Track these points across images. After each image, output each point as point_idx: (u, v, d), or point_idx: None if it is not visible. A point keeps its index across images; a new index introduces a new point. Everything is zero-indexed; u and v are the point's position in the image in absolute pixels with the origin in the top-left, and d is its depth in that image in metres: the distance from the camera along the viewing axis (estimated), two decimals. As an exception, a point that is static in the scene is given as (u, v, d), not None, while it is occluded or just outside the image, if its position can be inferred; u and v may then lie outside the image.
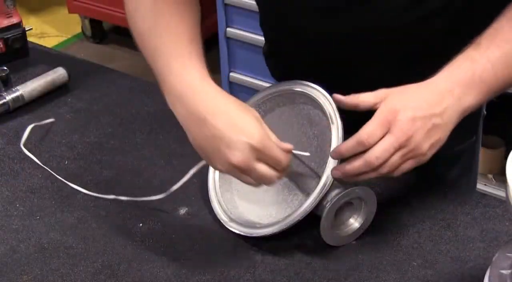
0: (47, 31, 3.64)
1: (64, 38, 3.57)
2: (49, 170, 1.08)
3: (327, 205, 0.89)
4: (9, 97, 1.23)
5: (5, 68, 1.31)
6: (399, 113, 0.83)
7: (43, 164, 1.11)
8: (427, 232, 0.95)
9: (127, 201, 1.00)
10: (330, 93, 0.92)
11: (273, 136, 0.86)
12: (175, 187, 0.97)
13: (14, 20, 1.40)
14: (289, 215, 0.91)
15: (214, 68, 2.77)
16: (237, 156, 0.82)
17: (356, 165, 0.84)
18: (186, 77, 0.87)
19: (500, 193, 1.72)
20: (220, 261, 0.92)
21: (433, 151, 0.84)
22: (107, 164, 1.11)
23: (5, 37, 1.38)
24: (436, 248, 0.93)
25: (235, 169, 0.84)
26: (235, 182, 1.00)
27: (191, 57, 0.89)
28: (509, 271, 0.78)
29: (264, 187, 0.97)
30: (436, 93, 0.84)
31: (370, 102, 0.86)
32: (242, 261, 0.92)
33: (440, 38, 0.98)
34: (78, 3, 3.31)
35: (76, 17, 3.51)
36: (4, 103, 1.23)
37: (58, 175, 1.07)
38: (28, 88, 1.26)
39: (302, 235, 0.94)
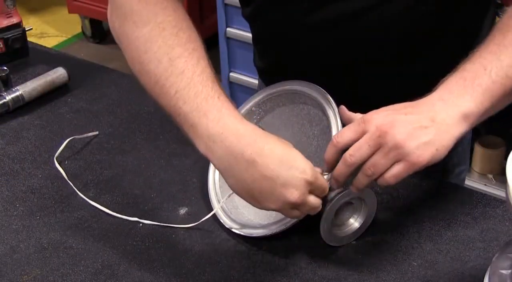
0: (47, 31, 3.64)
1: (64, 38, 3.58)
2: (66, 178, 1.08)
3: (327, 205, 0.89)
4: (9, 97, 1.23)
5: (5, 68, 1.31)
6: (376, 113, 0.83)
7: (43, 164, 1.11)
8: (427, 232, 0.95)
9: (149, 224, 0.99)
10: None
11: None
12: (203, 219, 0.96)
13: (14, 20, 1.40)
14: (289, 215, 0.91)
15: (214, 68, 2.78)
16: (295, 194, 0.82)
17: (338, 167, 0.85)
18: (225, 121, 0.83)
19: (500, 193, 1.72)
20: (220, 261, 0.92)
21: (427, 154, 0.80)
22: (107, 164, 1.11)
23: (5, 37, 1.38)
24: (436, 248, 0.93)
25: (289, 205, 0.83)
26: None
27: (221, 98, 0.86)
28: (509, 271, 0.78)
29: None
30: (426, 101, 0.83)
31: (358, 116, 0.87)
32: (242, 261, 0.92)
33: (431, 47, 0.98)
34: (78, 3, 3.31)
35: (76, 17, 3.51)
36: (4, 103, 1.23)
37: (57, 175, 1.08)
38: (28, 88, 1.26)
39: (302, 235, 0.94)
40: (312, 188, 0.84)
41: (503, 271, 0.78)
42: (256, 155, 0.82)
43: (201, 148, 0.85)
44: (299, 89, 0.97)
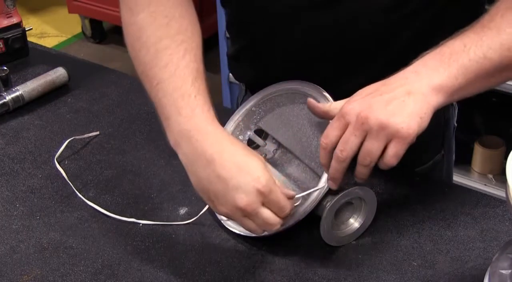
0: (47, 31, 3.64)
1: (64, 38, 3.58)
2: (65, 176, 1.08)
3: (327, 205, 0.89)
4: (9, 97, 1.23)
5: (5, 68, 1.31)
6: (351, 102, 0.83)
7: (43, 164, 1.11)
8: (427, 232, 0.95)
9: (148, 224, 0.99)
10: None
11: (277, 182, 0.86)
12: (201, 213, 0.97)
13: (14, 20, 1.40)
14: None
15: (214, 68, 2.78)
16: (243, 199, 0.82)
17: (331, 166, 0.85)
18: (194, 119, 0.85)
19: (500, 193, 1.72)
20: (220, 261, 0.92)
21: (413, 123, 0.80)
22: (107, 164, 1.11)
23: (5, 37, 1.38)
24: (436, 248, 0.93)
25: (240, 211, 0.83)
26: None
27: (198, 97, 0.87)
28: (509, 271, 0.78)
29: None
30: (399, 75, 0.83)
31: (339, 105, 0.86)
32: (242, 261, 0.92)
33: (420, 41, 0.98)
34: (78, 3, 3.31)
35: (76, 17, 3.51)
36: (4, 103, 1.23)
37: (57, 175, 1.08)
38: (28, 88, 1.26)
39: (302, 235, 0.94)
40: (266, 200, 0.83)
41: (503, 271, 0.78)
42: (217, 155, 0.83)
43: (171, 141, 0.87)
44: (299, 89, 0.97)
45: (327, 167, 0.86)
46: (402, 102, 0.81)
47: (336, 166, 0.84)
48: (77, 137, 1.16)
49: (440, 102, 0.82)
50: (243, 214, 0.84)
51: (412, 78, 0.82)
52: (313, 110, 0.90)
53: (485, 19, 0.85)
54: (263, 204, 0.83)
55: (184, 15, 0.93)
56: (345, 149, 0.82)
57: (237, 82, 1.23)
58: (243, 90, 1.20)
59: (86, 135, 1.17)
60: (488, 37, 0.83)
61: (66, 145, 1.14)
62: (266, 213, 0.84)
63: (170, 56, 0.89)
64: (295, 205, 0.88)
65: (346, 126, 0.83)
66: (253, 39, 1.08)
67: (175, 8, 0.92)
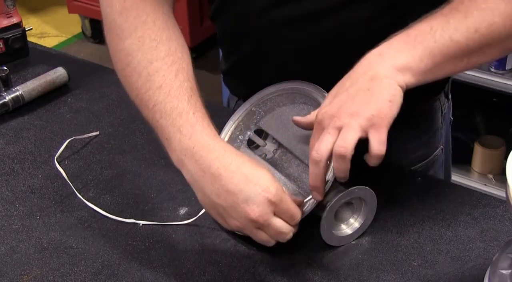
0: (47, 31, 3.64)
1: (64, 38, 3.58)
2: (66, 179, 1.08)
3: (327, 205, 0.89)
4: (9, 97, 1.23)
5: (5, 68, 1.31)
6: (323, 108, 0.83)
7: (43, 164, 1.11)
8: (427, 232, 0.95)
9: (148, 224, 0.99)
10: None
11: (285, 190, 0.86)
12: (200, 213, 0.96)
13: (14, 20, 1.40)
14: (289, 215, 0.91)
15: (214, 68, 2.78)
16: (255, 210, 0.82)
17: (310, 173, 0.84)
18: (196, 136, 0.85)
19: (500, 193, 1.72)
20: (220, 261, 0.92)
21: (384, 108, 0.80)
22: (107, 164, 1.11)
23: (5, 37, 1.38)
24: (436, 248, 0.93)
25: (252, 223, 0.83)
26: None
27: (196, 114, 0.87)
28: (509, 271, 0.78)
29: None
30: (363, 61, 0.83)
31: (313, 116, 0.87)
32: (242, 261, 0.92)
33: None
34: (78, 3, 3.31)
35: (76, 17, 3.52)
36: (4, 103, 1.23)
37: (57, 175, 1.08)
38: (28, 88, 1.26)
39: (302, 235, 0.93)
40: (277, 209, 0.83)
41: (503, 271, 0.78)
42: (223, 169, 0.83)
43: (174, 160, 0.87)
44: (299, 89, 0.97)
45: (313, 187, 0.86)
46: (368, 91, 0.81)
47: (314, 170, 0.83)
48: (77, 137, 1.16)
49: (409, 82, 0.82)
50: (256, 226, 0.84)
51: (375, 62, 0.82)
52: (300, 126, 0.91)
53: (455, 1, 0.84)
54: (275, 214, 0.84)
55: (171, 37, 0.93)
56: (319, 148, 0.81)
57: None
58: (234, 99, 1.20)
59: (86, 135, 1.17)
60: (455, 19, 0.82)
61: (66, 145, 1.14)
62: (279, 223, 0.84)
63: (163, 78, 0.89)
64: (304, 209, 0.88)
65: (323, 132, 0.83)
66: (244, 55, 1.09)
67: (162, 31, 0.92)
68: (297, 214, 0.85)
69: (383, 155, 0.80)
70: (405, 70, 0.81)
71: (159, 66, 0.89)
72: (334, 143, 0.81)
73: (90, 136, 1.17)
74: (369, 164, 0.82)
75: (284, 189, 0.87)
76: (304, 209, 0.89)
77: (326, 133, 0.81)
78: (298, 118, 0.91)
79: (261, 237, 0.85)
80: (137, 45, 0.91)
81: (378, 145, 0.80)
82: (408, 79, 0.82)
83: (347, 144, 0.80)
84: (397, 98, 0.81)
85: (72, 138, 1.15)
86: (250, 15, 1.01)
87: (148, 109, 0.89)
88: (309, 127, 0.89)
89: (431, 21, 0.83)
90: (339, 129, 0.81)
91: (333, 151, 0.81)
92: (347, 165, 0.81)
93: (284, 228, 0.85)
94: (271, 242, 0.86)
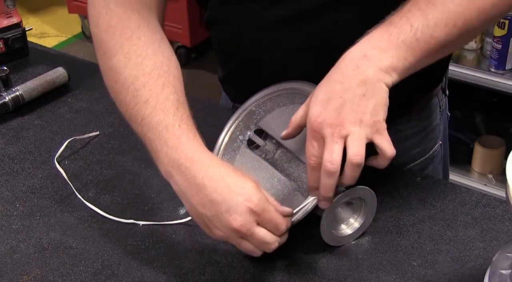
0: (47, 31, 3.64)
1: (64, 38, 3.58)
2: (65, 177, 1.08)
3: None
4: (9, 97, 1.23)
5: (5, 68, 1.31)
6: (316, 112, 0.83)
7: (43, 164, 1.11)
8: (427, 232, 0.95)
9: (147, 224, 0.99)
10: None
11: (272, 200, 0.86)
12: None
13: (14, 20, 1.40)
14: (289, 215, 0.91)
15: (214, 68, 2.78)
16: (237, 219, 0.82)
17: (322, 184, 0.84)
18: (181, 148, 0.87)
19: (500, 193, 1.72)
20: (220, 261, 0.92)
21: (381, 112, 0.82)
22: (107, 164, 1.11)
23: (5, 37, 1.38)
24: (436, 248, 0.93)
25: (235, 233, 0.84)
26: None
27: (182, 126, 0.88)
28: (509, 271, 0.78)
29: (264, 187, 0.97)
30: (351, 66, 0.84)
31: (301, 115, 0.87)
32: (242, 261, 0.92)
33: None
34: (78, 3, 3.31)
35: (76, 17, 3.52)
36: (4, 103, 1.23)
37: (57, 175, 1.08)
38: (28, 88, 1.26)
39: (302, 235, 0.94)
40: (260, 219, 0.83)
41: (503, 271, 0.78)
42: (207, 180, 0.84)
43: (163, 173, 0.88)
44: (299, 89, 0.97)
45: (316, 189, 0.86)
46: (363, 97, 0.82)
47: (328, 182, 0.83)
48: (77, 137, 1.16)
49: (394, 80, 0.84)
50: (239, 236, 0.84)
51: (363, 65, 0.83)
52: (289, 137, 0.91)
53: None
54: (258, 223, 0.84)
55: (157, 51, 0.94)
56: (333, 159, 0.82)
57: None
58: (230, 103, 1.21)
59: (86, 135, 1.17)
60: (433, 15, 0.84)
61: (66, 145, 1.14)
62: (262, 232, 0.84)
63: (149, 92, 0.90)
64: (293, 219, 0.88)
65: (323, 140, 0.83)
66: (240, 62, 1.09)
67: (147, 46, 0.94)
68: (282, 224, 0.85)
69: (394, 153, 0.83)
70: (391, 71, 0.83)
71: (145, 81, 0.91)
72: (343, 152, 0.82)
73: (90, 137, 1.17)
74: (381, 167, 0.85)
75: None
76: (304, 209, 0.89)
77: (333, 143, 0.82)
78: (284, 133, 0.91)
79: (246, 247, 0.85)
80: (124, 62, 0.93)
81: (389, 146, 0.83)
82: (394, 78, 0.84)
83: (361, 152, 0.82)
84: (388, 100, 0.84)
85: (72, 138, 1.15)
86: (238, 22, 1.02)
87: (137, 124, 0.91)
88: (297, 131, 0.89)
89: (410, 16, 0.84)
90: (345, 138, 0.82)
91: (348, 160, 0.82)
92: (359, 172, 0.83)
93: (267, 237, 0.85)
94: (256, 252, 0.86)
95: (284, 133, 0.91)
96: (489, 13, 0.85)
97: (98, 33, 0.96)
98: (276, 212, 0.85)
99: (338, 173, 0.83)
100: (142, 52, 0.93)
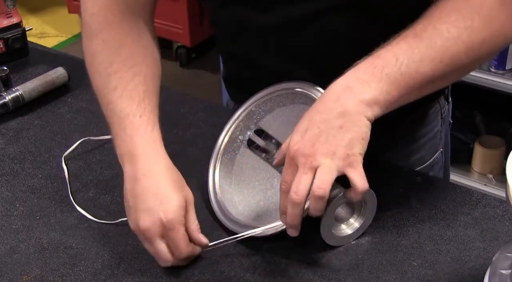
0: (47, 31, 3.64)
1: (64, 38, 3.58)
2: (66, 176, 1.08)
3: (327, 205, 0.89)
4: (9, 97, 1.23)
5: (5, 68, 1.31)
6: (295, 141, 0.83)
7: (43, 164, 1.11)
8: (427, 232, 0.95)
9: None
10: None
11: (193, 225, 0.89)
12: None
13: (14, 20, 1.40)
14: (289, 215, 0.91)
15: (214, 68, 2.78)
16: (146, 222, 0.86)
17: (288, 213, 0.84)
18: (136, 139, 0.91)
19: (500, 193, 1.72)
20: (220, 261, 0.92)
21: (358, 146, 0.81)
22: (107, 164, 1.11)
23: (5, 37, 1.38)
24: (436, 248, 0.93)
25: (140, 233, 0.88)
26: (235, 183, 1.00)
27: (143, 118, 0.92)
28: (509, 271, 0.78)
29: (264, 187, 0.98)
30: (332, 97, 0.83)
31: (285, 145, 0.87)
32: (242, 261, 0.92)
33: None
34: (78, 3, 3.29)
35: (76, 17, 3.52)
36: (4, 103, 1.23)
37: (57, 175, 1.08)
38: (28, 88, 1.26)
39: (302, 235, 0.93)
40: (165, 234, 0.86)
41: (503, 271, 0.78)
42: (143, 177, 0.89)
43: (119, 157, 0.93)
44: (299, 89, 0.97)
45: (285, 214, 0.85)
46: (340, 129, 0.81)
47: (294, 211, 0.83)
48: (92, 138, 1.16)
49: (376, 114, 0.83)
50: (143, 237, 0.88)
51: (344, 97, 0.82)
52: (282, 163, 0.89)
53: (419, 27, 0.84)
54: (163, 237, 0.87)
55: (135, 40, 0.98)
56: (298, 190, 0.82)
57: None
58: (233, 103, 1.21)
59: (101, 137, 1.16)
60: (420, 50, 0.82)
61: (66, 145, 1.14)
62: (160, 246, 0.87)
63: (119, 79, 0.95)
64: (207, 249, 0.91)
65: (297, 168, 0.83)
66: (240, 62, 1.09)
67: (126, 35, 0.98)
68: (183, 251, 0.87)
69: (368, 187, 0.83)
70: (373, 104, 0.82)
71: (118, 68, 0.95)
72: (311, 183, 0.81)
73: (104, 139, 1.16)
74: (353, 201, 0.87)
75: (194, 224, 0.89)
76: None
77: (302, 173, 0.82)
78: (276, 162, 0.91)
79: (146, 247, 0.89)
80: (101, 46, 0.97)
81: (361, 181, 0.82)
82: (376, 112, 0.83)
83: (325, 185, 0.81)
84: (368, 134, 0.82)
85: (86, 138, 1.15)
86: (237, 24, 1.02)
87: (104, 107, 0.96)
88: (282, 161, 0.88)
89: (396, 50, 0.83)
90: (315, 169, 0.81)
91: (311, 192, 0.82)
92: (324, 205, 0.83)
93: (163, 253, 0.87)
94: (156, 260, 0.89)
95: (276, 161, 0.91)
96: (478, 49, 0.84)
97: (84, 17, 0.99)
98: (183, 238, 0.87)
99: (303, 204, 0.82)
100: (120, 39, 0.97)
